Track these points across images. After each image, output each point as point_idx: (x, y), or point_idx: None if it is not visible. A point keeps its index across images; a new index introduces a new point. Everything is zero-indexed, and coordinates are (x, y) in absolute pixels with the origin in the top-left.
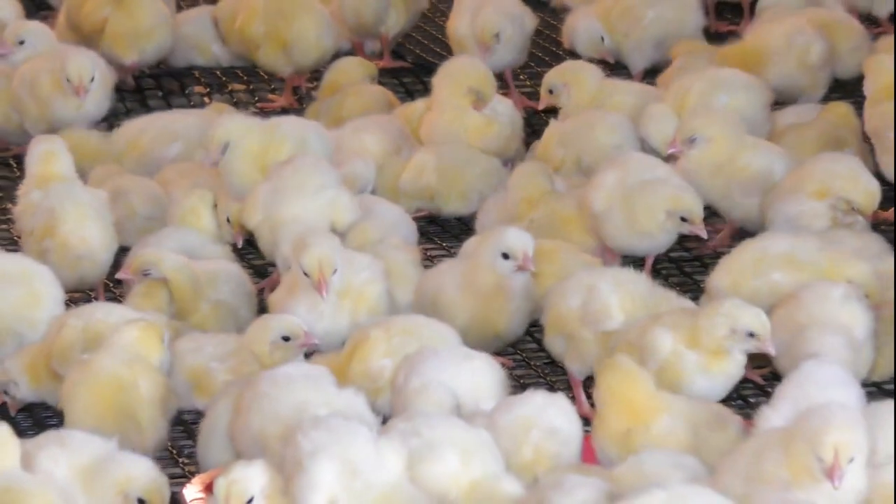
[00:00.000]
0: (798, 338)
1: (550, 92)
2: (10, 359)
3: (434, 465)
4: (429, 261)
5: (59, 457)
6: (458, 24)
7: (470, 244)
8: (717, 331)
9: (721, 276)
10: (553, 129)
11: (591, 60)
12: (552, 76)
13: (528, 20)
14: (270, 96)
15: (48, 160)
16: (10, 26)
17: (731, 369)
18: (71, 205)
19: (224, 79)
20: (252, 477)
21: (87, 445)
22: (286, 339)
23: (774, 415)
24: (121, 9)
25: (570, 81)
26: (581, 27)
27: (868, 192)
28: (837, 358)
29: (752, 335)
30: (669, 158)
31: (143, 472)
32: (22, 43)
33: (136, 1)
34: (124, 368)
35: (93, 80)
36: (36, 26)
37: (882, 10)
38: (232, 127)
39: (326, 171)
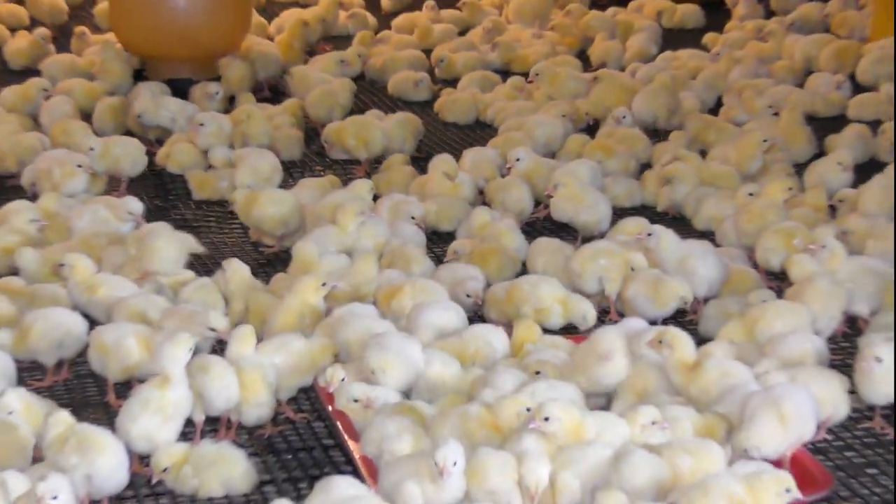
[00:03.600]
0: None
1: (518, 160)
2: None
3: (432, 368)
4: (431, 253)
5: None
6: None
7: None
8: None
9: (574, 263)
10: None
11: None
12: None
13: None
14: (354, 170)
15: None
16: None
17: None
18: None
19: (330, 161)
20: (341, 369)
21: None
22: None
23: None
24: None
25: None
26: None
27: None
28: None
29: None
30: (547, 198)
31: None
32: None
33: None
34: (299, 304)
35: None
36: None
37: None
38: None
39: (376, 224)
